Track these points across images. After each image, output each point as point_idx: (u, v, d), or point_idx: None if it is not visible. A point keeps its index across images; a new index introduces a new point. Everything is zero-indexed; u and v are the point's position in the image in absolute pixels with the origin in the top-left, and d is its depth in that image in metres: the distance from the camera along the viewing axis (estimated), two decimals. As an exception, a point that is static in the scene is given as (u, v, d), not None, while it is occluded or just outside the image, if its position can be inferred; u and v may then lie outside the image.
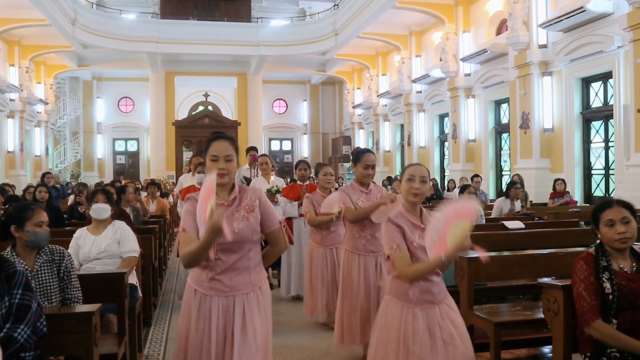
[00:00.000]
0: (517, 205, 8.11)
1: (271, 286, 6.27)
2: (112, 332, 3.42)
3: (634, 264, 2.61)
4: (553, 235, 5.00)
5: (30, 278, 2.91)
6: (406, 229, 2.75)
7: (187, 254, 2.45)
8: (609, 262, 2.59)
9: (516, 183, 8.32)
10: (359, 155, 4.18)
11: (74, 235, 4.16)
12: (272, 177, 6.90)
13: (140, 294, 4.28)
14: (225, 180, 2.58)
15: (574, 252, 3.63)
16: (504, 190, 13.66)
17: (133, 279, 4.17)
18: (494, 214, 8.01)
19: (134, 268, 4.21)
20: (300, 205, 6.02)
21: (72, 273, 3.09)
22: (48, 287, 2.98)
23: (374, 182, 4.34)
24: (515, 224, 5.57)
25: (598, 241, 2.66)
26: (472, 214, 2.57)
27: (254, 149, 8.09)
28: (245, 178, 7.66)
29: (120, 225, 4.25)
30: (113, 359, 3.04)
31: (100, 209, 4.16)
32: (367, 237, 4.10)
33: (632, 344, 2.43)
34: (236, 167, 2.69)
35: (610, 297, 2.51)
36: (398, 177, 12.22)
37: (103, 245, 4.09)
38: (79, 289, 3.11)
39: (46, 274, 2.99)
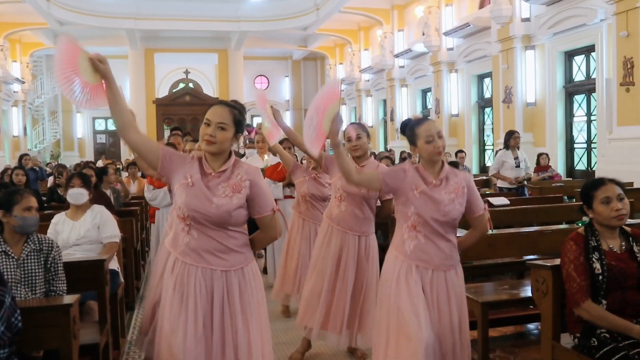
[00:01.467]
0: (522, 158, 7.84)
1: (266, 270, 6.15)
2: (93, 320, 3.34)
3: (623, 243, 2.60)
4: (538, 212, 4.99)
5: (16, 267, 2.82)
6: (410, 177, 2.72)
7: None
8: (598, 242, 2.57)
9: (515, 132, 8.16)
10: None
11: (52, 221, 4.05)
12: (266, 156, 6.53)
13: (122, 279, 4.20)
14: (212, 148, 2.42)
15: (559, 229, 3.62)
16: (486, 165, 13.70)
17: (114, 264, 4.09)
18: (494, 168, 7.98)
19: (115, 253, 4.11)
20: (285, 186, 5.81)
21: (59, 265, 3.01)
22: (33, 277, 2.90)
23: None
24: (500, 200, 5.56)
25: (587, 220, 2.63)
26: (336, 94, 2.62)
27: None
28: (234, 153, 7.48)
29: (100, 210, 4.14)
30: (95, 349, 2.97)
31: (77, 194, 4.05)
32: (354, 211, 3.73)
33: (622, 324, 2.41)
34: (230, 140, 2.47)
35: (600, 277, 2.50)
36: (385, 152, 12.08)
37: (82, 231, 3.99)
38: (65, 282, 3.03)
39: (32, 264, 2.91)
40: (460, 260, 2.82)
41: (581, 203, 2.66)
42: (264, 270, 6.26)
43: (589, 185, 2.63)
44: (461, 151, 10.79)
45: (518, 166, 7.84)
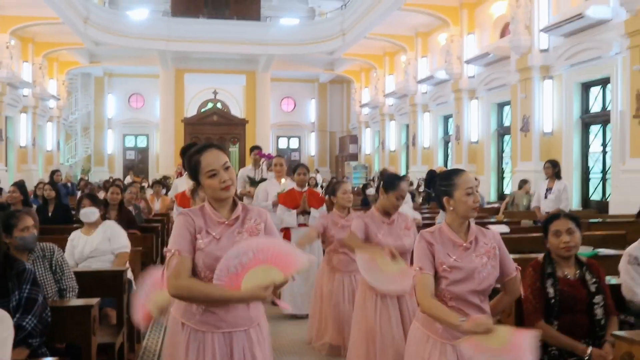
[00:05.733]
0: (556, 189, 7.58)
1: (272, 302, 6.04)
2: (111, 325, 3.71)
3: (577, 272, 2.88)
4: (531, 240, 5.24)
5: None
6: (439, 248, 2.43)
7: (194, 290, 2.15)
8: (554, 269, 2.86)
9: (547, 162, 8.11)
10: (394, 182, 3.68)
11: (69, 238, 4.49)
12: (283, 180, 6.41)
13: (134, 287, 4.57)
14: (232, 191, 2.25)
15: (528, 258, 3.85)
16: (504, 192, 13.85)
17: (128, 273, 4.48)
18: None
19: (127, 262, 4.50)
20: (299, 214, 5.71)
21: (64, 265, 3.40)
22: (43, 282, 3.27)
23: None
24: (501, 228, 5.81)
25: (547, 250, 2.93)
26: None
27: (258, 147, 8.16)
28: (249, 178, 7.72)
29: (110, 224, 4.58)
30: (111, 349, 3.35)
31: (88, 213, 4.47)
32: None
33: (569, 343, 2.72)
34: (235, 176, 2.31)
35: (552, 301, 2.79)
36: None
37: (95, 244, 4.40)
38: (74, 279, 3.41)
39: (40, 270, 3.29)
40: None
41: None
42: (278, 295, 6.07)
43: (547, 219, 2.94)
44: (475, 179, 10.99)
45: (546, 198, 7.59)
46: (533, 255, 3.06)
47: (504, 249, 2.54)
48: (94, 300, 2.92)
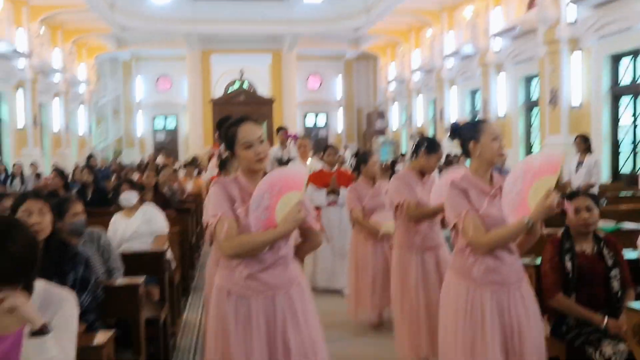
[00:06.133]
0: (587, 163, 7.41)
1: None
2: (154, 301, 3.96)
3: (595, 246, 3.00)
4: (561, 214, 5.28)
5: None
6: (472, 193, 2.49)
7: (245, 243, 2.26)
8: (572, 245, 2.98)
9: (577, 136, 7.83)
10: (437, 145, 3.81)
11: (111, 221, 4.74)
12: (309, 161, 6.61)
13: (174, 266, 4.81)
14: (265, 164, 2.35)
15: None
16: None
17: (168, 253, 4.71)
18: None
19: (165, 243, 4.72)
20: (328, 193, 5.80)
21: (110, 248, 3.62)
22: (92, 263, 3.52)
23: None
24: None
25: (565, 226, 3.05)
26: (557, 166, 2.27)
27: (284, 128, 8.32)
28: (276, 158, 7.90)
29: (149, 208, 4.80)
30: (156, 323, 3.60)
31: (128, 198, 4.70)
32: (425, 231, 3.69)
33: (586, 314, 2.86)
34: (268, 149, 2.41)
35: (570, 275, 2.91)
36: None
37: (135, 226, 4.64)
38: (120, 260, 3.63)
39: (89, 253, 3.51)
40: None
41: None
42: None
43: (567, 196, 3.05)
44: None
45: (576, 172, 7.59)
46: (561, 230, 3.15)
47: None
48: (140, 279, 3.15)
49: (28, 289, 1.94)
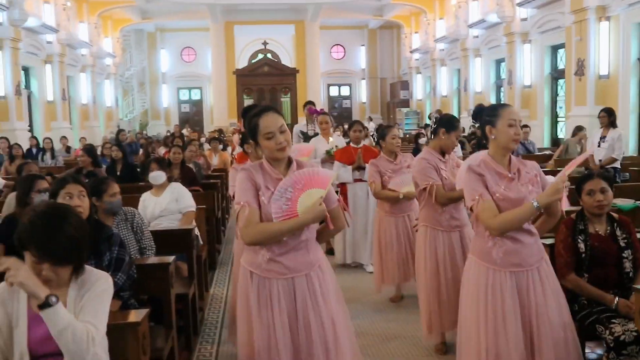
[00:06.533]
0: (610, 137, 7.37)
1: (331, 250, 6.19)
2: (183, 277, 4.14)
3: (608, 228, 3.06)
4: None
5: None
6: (489, 178, 2.57)
7: (263, 231, 2.37)
8: (585, 226, 3.04)
9: (602, 110, 7.85)
10: (455, 123, 3.84)
11: (140, 198, 4.92)
12: (332, 138, 6.58)
13: (201, 242, 4.99)
14: (287, 152, 2.44)
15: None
16: (558, 137, 13.65)
17: (195, 230, 4.88)
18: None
19: (193, 220, 4.89)
20: (354, 170, 5.84)
21: (143, 227, 3.79)
22: (126, 242, 3.67)
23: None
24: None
25: (580, 207, 3.11)
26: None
27: (311, 103, 8.33)
28: (302, 133, 7.93)
29: (177, 186, 4.97)
30: (185, 298, 3.79)
31: (156, 177, 4.87)
32: (451, 211, 3.70)
33: (598, 293, 2.94)
34: (290, 137, 2.50)
35: (583, 255, 2.99)
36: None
37: (164, 204, 4.82)
38: (151, 238, 3.80)
39: (123, 232, 3.68)
40: None
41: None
42: (330, 252, 6.18)
43: (580, 178, 3.11)
44: (525, 126, 10.92)
45: (599, 146, 7.49)
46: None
47: (543, 175, 2.72)
48: (171, 258, 3.31)
49: (79, 269, 2.13)
